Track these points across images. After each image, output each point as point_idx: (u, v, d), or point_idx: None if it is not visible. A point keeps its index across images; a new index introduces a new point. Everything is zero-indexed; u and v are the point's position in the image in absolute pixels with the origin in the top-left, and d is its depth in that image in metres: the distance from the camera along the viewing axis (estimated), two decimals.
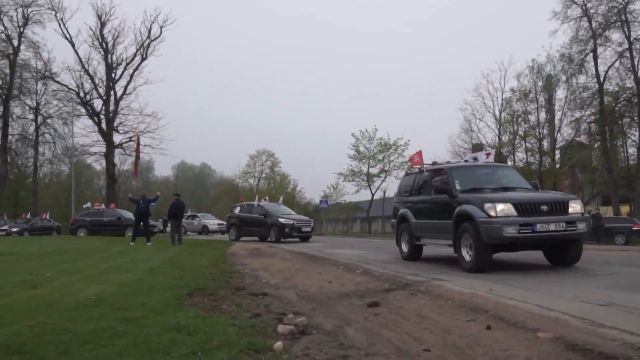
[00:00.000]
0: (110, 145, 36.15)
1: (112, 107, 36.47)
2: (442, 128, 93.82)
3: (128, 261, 9.70)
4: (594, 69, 30.47)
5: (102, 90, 36.82)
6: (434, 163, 9.74)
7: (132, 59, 36.82)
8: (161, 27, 36.46)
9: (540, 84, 34.06)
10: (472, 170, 8.99)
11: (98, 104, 37.11)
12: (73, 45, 36.06)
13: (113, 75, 36.75)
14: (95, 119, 36.62)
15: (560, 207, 7.23)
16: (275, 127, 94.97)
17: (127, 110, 36.97)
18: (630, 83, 29.99)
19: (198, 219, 32.68)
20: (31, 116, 41.54)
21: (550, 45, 43.77)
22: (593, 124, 32.24)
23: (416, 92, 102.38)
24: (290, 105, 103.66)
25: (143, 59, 36.86)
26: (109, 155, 36.18)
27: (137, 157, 18.87)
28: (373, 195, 39.94)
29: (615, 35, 30.09)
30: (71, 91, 36.75)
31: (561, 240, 7.43)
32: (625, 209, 30.91)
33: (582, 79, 31.43)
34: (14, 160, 41.84)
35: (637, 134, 32.02)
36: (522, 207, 7.05)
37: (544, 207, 7.12)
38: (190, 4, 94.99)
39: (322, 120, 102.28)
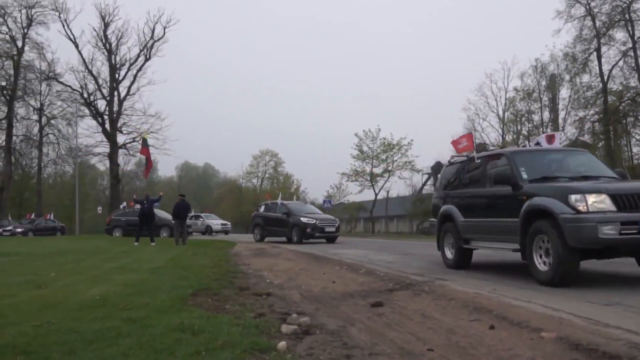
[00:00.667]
0: (114, 146, 36.32)
1: (115, 108, 36.69)
2: (445, 128, 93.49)
3: (132, 261, 9.72)
4: (597, 68, 30.37)
5: (105, 91, 37.08)
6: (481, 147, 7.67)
7: (136, 60, 37.13)
8: (164, 28, 36.78)
9: (543, 83, 33.97)
10: (541, 156, 7.32)
11: (102, 104, 37.46)
12: (77, 46, 36.37)
13: (117, 75, 36.96)
14: (99, 119, 36.82)
15: None
16: (278, 128, 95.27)
17: (131, 110, 37.32)
18: (634, 82, 29.87)
19: (201, 219, 32.76)
20: (35, 117, 41.87)
21: (554, 45, 43.38)
22: (597, 123, 32.10)
23: (419, 93, 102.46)
24: (293, 105, 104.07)
25: (146, 60, 37.16)
26: (112, 156, 36.33)
27: (148, 159, 18.81)
28: (376, 195, 39.87)
29: (619, 34, 30.05)
30: (75, 92, 37.05)
31: None
32: None
33: (585, 78, 31.35)
34: (18, 161, 42.06)
35: None
36: (623, 200, 5.36)
37: None
38: (193, 4, 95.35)
39: (325, 121, 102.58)
